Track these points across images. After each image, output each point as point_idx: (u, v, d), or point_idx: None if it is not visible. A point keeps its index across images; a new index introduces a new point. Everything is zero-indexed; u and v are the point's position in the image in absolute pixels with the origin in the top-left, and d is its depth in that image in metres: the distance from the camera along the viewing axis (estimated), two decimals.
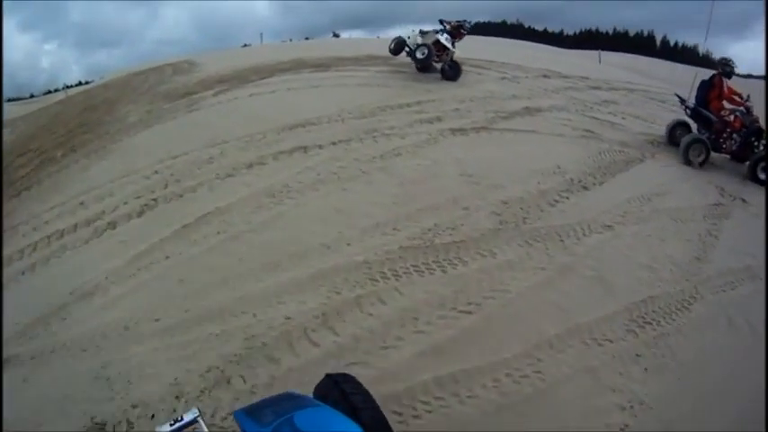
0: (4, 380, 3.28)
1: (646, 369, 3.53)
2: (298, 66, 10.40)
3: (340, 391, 1.67)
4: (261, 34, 26.24)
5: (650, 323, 3.93)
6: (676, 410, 3.27)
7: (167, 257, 4.34)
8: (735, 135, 6.45)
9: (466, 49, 9.99)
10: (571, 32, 44.02)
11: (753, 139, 6.38)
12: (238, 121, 7.30)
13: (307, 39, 24.85)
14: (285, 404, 1.48)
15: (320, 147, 6.27)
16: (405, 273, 3.95)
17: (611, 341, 3.68)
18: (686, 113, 6.72)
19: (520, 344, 3.45)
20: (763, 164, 6.21)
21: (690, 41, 42.93)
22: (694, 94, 6.94)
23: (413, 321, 3.50)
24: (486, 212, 4.80)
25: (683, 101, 6.81)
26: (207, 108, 8.09)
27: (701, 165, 6.27)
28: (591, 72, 12.39)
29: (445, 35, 8.92)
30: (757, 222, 5.51)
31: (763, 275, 4.67)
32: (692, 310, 4.16)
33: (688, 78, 16.80)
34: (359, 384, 1.78)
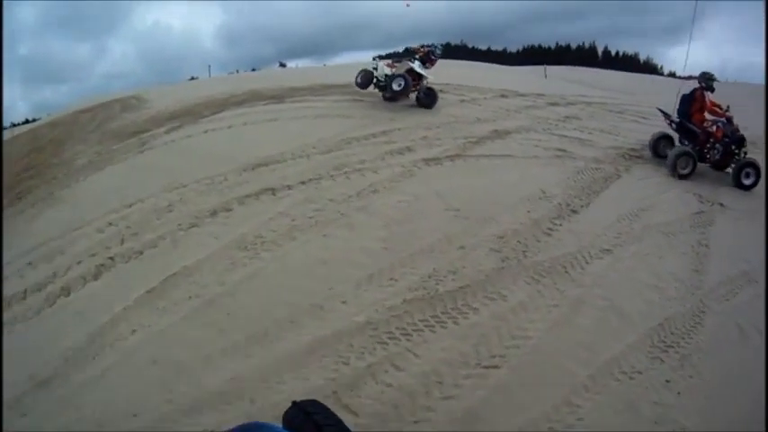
0: None
1: (678, 393, 3.50)
2: (251, 98, 10.15)
3: (304, 413, 1.58)
4: (209, 66, 25.57)
5: (672, 346, 3.91)
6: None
7: (134, 331, 3.84)
8: (717, 145, 6.80)
9: None
10: (514, 50, 46.04)
11: (734, 147, 6.75)
12: (195, 160, 6.91)
13: (254, 70, 24.41)
14: None
15: (289, 187, 5.98)
16: (415, 330, 3.67)
17: (640, 372, 3.62)
18: (672, 128, 6.99)
19: (555, 392, 3.27)
20: (747, 170, 6.58)
21: (630, 50, 46.73)
22: (673, 107, 7.28)
23: (438, 386, 3.22)
24: (485, 250, 4.64)
25: (667, 115, 7.07)
26: (160, 147, 7.68)
27: (688, 176, 6.53)
28: (544, 88, 12.86)
29: (417, 62, 8.88)
30: (740, 225, 5.71)
31: (759, 279, 4.76)
32: (705, 325, 4.21)
33: (636, 86, 18.03)
34: (323, 406, 1.69)
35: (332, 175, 6.24)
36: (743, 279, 4.79)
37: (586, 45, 45.04)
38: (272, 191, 5.91)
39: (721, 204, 6.09)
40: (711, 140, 6.81)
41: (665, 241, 5.15)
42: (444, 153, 6.91)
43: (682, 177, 6.57)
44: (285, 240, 4.89)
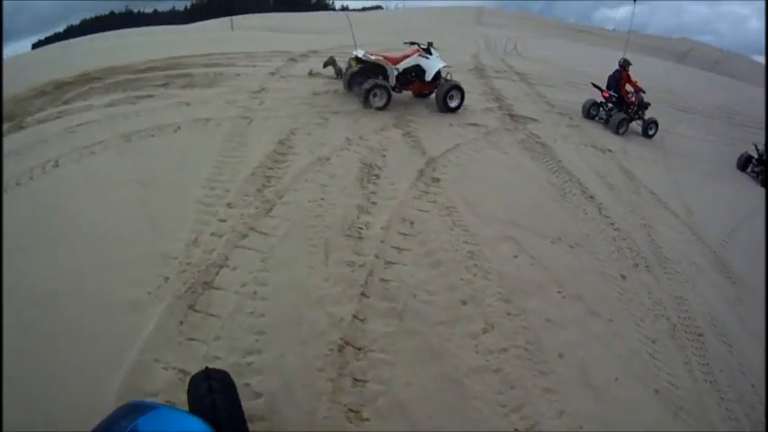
0: None
1: None
2: None
3: (208, 387, 2.02)
4: None
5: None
6: None
7: None
8: (635, 109, 10.02)
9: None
10: (182, 8, 48.21)
11: (638, 110, 10.06)
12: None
13: None
14: (130, 415, 1.68)
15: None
16: None
17: None
18: (611, 100, 9.76)
19: None
20: (650, 125, 10.00)
21: None
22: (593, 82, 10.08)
23: None
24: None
25: (602, 89, 9.84)
26: None
27: (623, 134, 9.45)
28: (264, 43, 11.88)
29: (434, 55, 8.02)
30: (641, 168, 7.69)
31: (700, 219, 6.71)
32: (733, 267, 5.89)
33: (329, 25, 17.99)
34: (230, 383, 2.17)
35: (377, 257, 4.29)
36: (694, 220, 6.60)
37: None
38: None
39: (610, 150, 7.99)
40: (632, 107, 9.95)
41: (647, 204, 6.55)
42: (419, 162, 5.96)
43: (620, 134, 9.32)
44: None
